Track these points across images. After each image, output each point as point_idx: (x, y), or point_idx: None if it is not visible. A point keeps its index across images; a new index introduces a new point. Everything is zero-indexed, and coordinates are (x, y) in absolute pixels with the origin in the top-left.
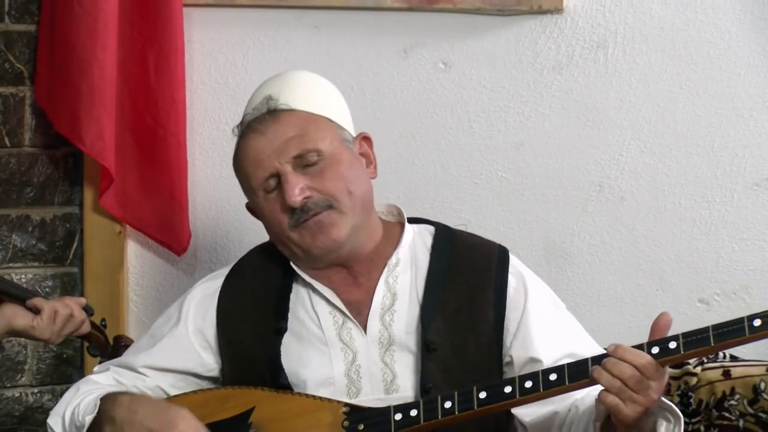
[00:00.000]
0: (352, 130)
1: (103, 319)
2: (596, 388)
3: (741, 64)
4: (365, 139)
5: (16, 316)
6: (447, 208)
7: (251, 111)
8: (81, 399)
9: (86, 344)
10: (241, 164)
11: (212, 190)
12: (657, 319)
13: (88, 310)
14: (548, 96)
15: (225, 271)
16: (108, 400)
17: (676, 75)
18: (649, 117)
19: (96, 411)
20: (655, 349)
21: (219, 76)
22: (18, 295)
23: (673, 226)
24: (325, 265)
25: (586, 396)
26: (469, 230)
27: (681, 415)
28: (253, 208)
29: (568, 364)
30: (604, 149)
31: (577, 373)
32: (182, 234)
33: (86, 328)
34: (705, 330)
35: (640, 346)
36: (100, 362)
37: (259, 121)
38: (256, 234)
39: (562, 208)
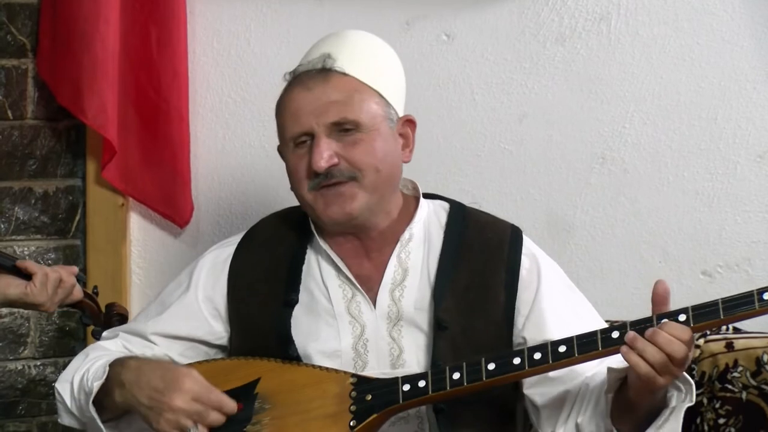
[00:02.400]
0: (400, 108)
1: (95, 287)
2: (605, 363)
3: (744, 36)
4: (409, 121)
5: (8, 285)
6: (449, 180)
7: (306, 63)
8: (90, 365)
9: (80, 313)
10: (281, 112)
11: (214, 162)
12: (656, 288)
13: (80, 278)
14: (551, 68)
15: (236, 239)
16: (117, 365)
17: (679, 47)
18: (652, 89)
19: (105, 377)
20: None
21: (221, 48)
22: (6, 264)
23: (676, 199)
24: (340, 231)
25: (596, 374)
26: (474, 204)
27: (692, 383)
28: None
29: (577, 336)
30: (607, 121)
31: (585, 345)
32: (185, 206)
33: (78, 293)
34: (715, 303)
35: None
36: (93, 331)
37: (310, 76)
38: (259, 206)
39: (565, 181)
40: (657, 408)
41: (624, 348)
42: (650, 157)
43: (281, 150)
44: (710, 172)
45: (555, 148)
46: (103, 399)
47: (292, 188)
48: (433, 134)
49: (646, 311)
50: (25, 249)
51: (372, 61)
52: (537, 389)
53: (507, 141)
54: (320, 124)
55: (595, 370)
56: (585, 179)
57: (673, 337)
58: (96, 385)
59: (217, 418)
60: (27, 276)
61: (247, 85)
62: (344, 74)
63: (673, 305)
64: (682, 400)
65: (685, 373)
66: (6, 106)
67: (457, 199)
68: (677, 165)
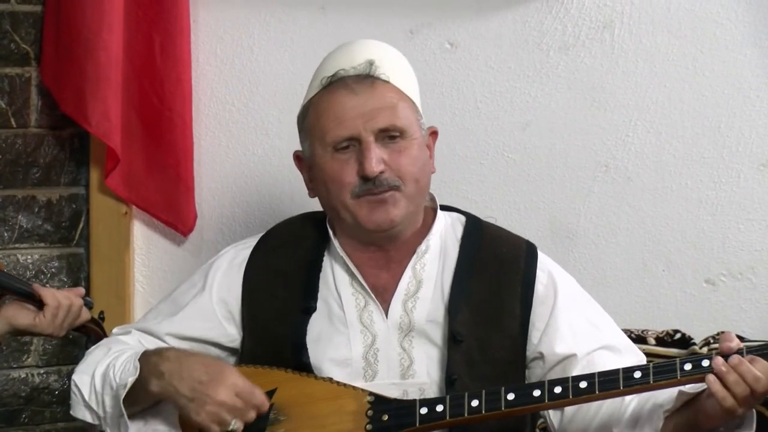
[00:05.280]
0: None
1: (102, 312)
2: None
3: (747, 45)
4: (434, 133)
5: (17, 316)
6: (453, 188)
7: (348, 68)
8: (113, 359)
9: (85, 339)
10: (319, 114)
11: (218, 170)
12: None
13: (87, 304)
14: (554, 76)
15: (252, 242)
16: (153, 355)
17: (683, 55)
18: (656, 97)
19: (138, 372)
20: None
21: (225, 56)
22: (20, 289)
23: (680, 207)
24: (367, 241)
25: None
26: (476, 211)
27: (754, 411)
28: (302, 158)
29: (599, 373)
30: (610, 130)
31: (607, 383)
32: (188, 214)
33: (85, 316)
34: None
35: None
36: None
37: (356, 80)
38: (263, 213)
39: (569, 189)
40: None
41: (711, 378)
42: (653, 165)
43: (308, 155)
44: (713, 180)
45: (558, 157)
46: (130, 391)
47: (324, 193)
48: (437, 142)
49: (648, 319)
50: (29, 257)
51: (405, 73)
52: None
53: (510, 149)
54: (368, 130)
55: None
56: (588, 187)
57: (762, 374)
58: (130, 381)
59: (254, 417)
60: (38, 302)
61: (250, 92)
62: (387, 82)
63: (676, 313)
64: (737, 425)
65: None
66: (9, 114)
67: (460, 207)
68: (680, 173)
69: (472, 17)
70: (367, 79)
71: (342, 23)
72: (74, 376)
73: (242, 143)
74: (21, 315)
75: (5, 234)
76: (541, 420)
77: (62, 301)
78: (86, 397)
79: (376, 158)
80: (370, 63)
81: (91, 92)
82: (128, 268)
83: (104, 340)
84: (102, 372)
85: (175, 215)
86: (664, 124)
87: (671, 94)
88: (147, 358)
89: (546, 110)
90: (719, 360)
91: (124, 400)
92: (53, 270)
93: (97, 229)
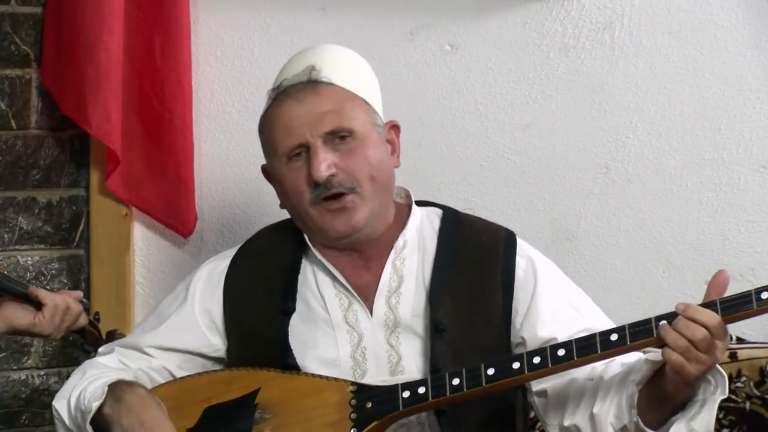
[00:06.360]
0: (381, 115)
1: (97, 313)
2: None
3: (748, 46)
4: (394, 127)
5: (16, 316)
6: (453, 190)
7: (291, 77)
8: (87, 383)
9: (81, 340)
10: (270, 128)
11: (218, 172)
12: (715, 277)
13: (83, 305)
14: (555, 78)
15: (232, 252)
16: (123, 384)
17: (683, 57)
18: (656, 99)
19: (104, 397)
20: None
21: (225, 58)
22: (18, 291)
23: (680, 209)
24: (338, 246)
25: (610, 365)
26: (476, 213)
27: (725, 376)
28: (269, 172)
29: (576, 339)
30: (610, 131)
31: (584, 348)
32: (188, 216)
33: (83, 320)
34: (713, 303)
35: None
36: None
37: (298, 89)
38: (263, 215)
39: (569, 191)
40: (688, 402)
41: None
42: (654, 167)
43: (270, 168)
44: (714, 182)
45: (558, 158)
46: (102, 419)
47: (289, 204)
48: (437, 143)
49: None
50: (29, 259)
51: (353, 71)
52: (545, 380)
53: (510, 151)
54: (315, 135)
55: (606, 361)
56: (588, 189)
57: (690, 320)
58: (94, 405)
59: None
60: (36, 304)
61: (250, 94)
62: (331, 84)
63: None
64: (712, 393)
65: (719, 366)
66: (10, 116)
67: (460, 209)
68: (681, 175)
69: (472, 19)
70: (308, 84)
71: (342, 24)
72: (54, 402)
73: (242, 144)
74: (21, 315)
75: (5, 235)
76: (540, 422)
77: (59, 302)
78: (66, 422)
79: (325, 163)
80: (310, 68)
81: (92, 94)
82: (128, 270)
83: (82, 365)
84: (76, 397)
85: (175, 217)
86: (664, 126)
87: (671, 96)
88: (117, 385)
89: (546, 112)
90: (663, 323)
91: (100, 427)
92: (53, 271)
93: (97, 231)
